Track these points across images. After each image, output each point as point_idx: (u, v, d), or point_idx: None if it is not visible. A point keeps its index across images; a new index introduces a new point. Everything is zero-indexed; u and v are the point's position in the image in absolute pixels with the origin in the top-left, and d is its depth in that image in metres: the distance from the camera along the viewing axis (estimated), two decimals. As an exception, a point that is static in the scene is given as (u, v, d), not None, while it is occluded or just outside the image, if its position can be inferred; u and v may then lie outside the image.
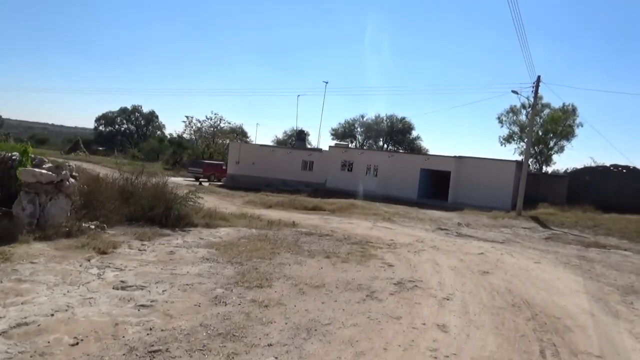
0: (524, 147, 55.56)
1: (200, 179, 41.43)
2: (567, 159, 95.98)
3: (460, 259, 10.79)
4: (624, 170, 35.34)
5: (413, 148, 51.79)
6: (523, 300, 7.56)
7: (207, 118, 54.59)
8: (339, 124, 54.09)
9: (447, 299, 7.15)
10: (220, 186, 38.21)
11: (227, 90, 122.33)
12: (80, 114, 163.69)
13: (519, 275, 9.50)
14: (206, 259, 8.37)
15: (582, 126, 53.38)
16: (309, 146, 49.81)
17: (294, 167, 37.95)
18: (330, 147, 37.82)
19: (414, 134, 53.45)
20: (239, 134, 67.52)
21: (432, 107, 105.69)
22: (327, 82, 45.83)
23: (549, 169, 54.89)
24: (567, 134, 53.22)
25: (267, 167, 38.57)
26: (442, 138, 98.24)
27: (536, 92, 25.22)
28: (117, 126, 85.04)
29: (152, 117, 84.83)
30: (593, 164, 40.57)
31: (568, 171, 44.11)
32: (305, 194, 34.08)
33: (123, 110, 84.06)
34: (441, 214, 26.32)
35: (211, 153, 51.70)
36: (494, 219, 25.12)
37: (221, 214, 14.33)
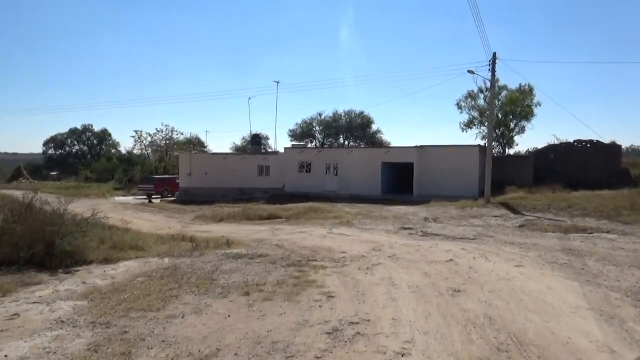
0: (485, 131, 54.51)
1: (152, 196, 38.37)
2: (530, 140, 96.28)
3: (424, 273, 8.44)
4: (588, 145, 34.10)
5: (374, 142, 49.74)
6: (511, 337, 5.23)
7: (157, 131, 51.26)
8: (296, 124, 51.70)
9: (403, 354, 4.74)
10: (172, 202, 35.28)
11: (177, 98, 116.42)
12: (33, 139, 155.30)
13: (499, 290, 7.20)
14: (61, 322, 5.73)
15: (540, 105, 52.30)
16: (269, 150, 47.24)
17: (249, 174, 35.28)
18: (285, 148, 35.30)
19: (374, 127, 51.54)
20: (196, 144, 64.28)
21: (390, 96, 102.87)
22: (278, 82, 43.17)
23: (511, 151, 53.78)
24: (527, 114, 52.16)
25: (221, 177, 35.78)
26: (403, 129, 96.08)
27: (493, 69, 23.35)
28: (67, 148, 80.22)
29: (104, 135, 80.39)
30: (556, 142, 39.39)
31: (530, 151, 42.93)
32: (263, 201, 31.54)
33: (73, 131, 79.38)
34: (406, 209, 24.22)
35: (165, 167, 48.49)
36: (462, 209, 23.13)
37: (136, 241, 11.62)
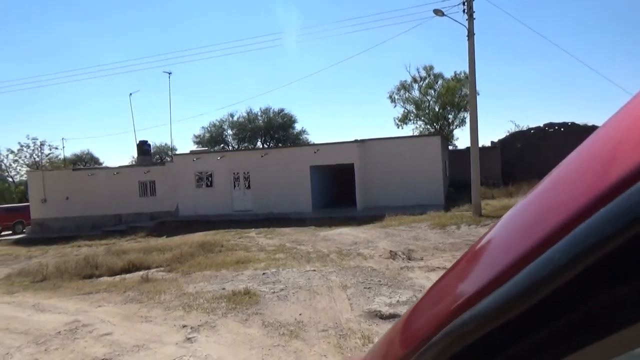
0: (422, 126, 46.92)
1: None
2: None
3: None
4: (562, 129, 26.63)
5: (300, 145, 40.36)
6: None
7: (22, 146, 38.41)
8: (203, 128, 40.87)
9: None
10: (17, 242, 23.60)
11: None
12: None
13: None
14: None
15: (479, 94, 45.13)
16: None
17: (128, 195, 24.36)
18: (175, 156, 24.76)
19: (298, 127, 41.82)
20: (88, 160, 51.40)
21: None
22: (170, 73, 32.19)
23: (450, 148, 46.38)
24: (466, 104, 44.95)
25: (89, 201, 24.56)
26: (333, 129, 79.30)
27: (470, 8, 14.46)
28: None
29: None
30: (515, 129, 32.10)
31: (494, 143, 35.45)
32: (144, 233, 20.96)
33: None
34: (354, 233, 14.98)
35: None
36: (442, 230, 14.19)
37: None
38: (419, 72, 44.12)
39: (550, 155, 25.34)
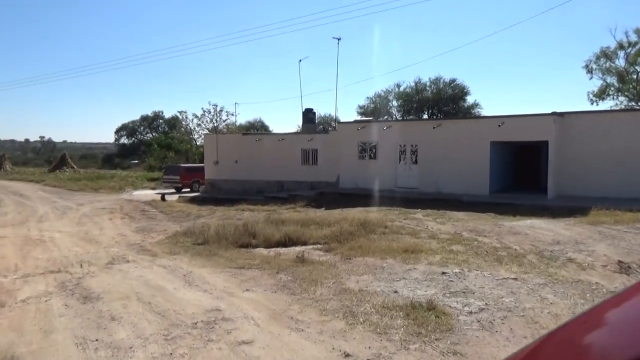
0: (624, 103, 38.45)
1: (181, 189, 28.68)
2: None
3: None
4: None
5: (480, 117, 36.08)
6: None
7: (204, 111, 41.47)
8: (368, 98, 39.12)
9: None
10: (192, 199, 24.94)
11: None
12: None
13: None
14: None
15: None
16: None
17: (291, 162, 23.83)
18: (339, 124, 23.33)
19: (470, 100, 37.28)
20: (259, 127, 54.14)
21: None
22: (339, 39, 30.78)
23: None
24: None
25: (255, 166, 24.75)
26: (510, 103, 69.46)
27: None
28: (140, 136, 74.13)
29: (175, 122, 73.25)
30: None
31: None
32: (303, 203, 20.04)
33: (144, 119, 73.18)
34: (551, 228, 11.74)
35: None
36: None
37: None
38: (627, 36, 35.69)
39: None
